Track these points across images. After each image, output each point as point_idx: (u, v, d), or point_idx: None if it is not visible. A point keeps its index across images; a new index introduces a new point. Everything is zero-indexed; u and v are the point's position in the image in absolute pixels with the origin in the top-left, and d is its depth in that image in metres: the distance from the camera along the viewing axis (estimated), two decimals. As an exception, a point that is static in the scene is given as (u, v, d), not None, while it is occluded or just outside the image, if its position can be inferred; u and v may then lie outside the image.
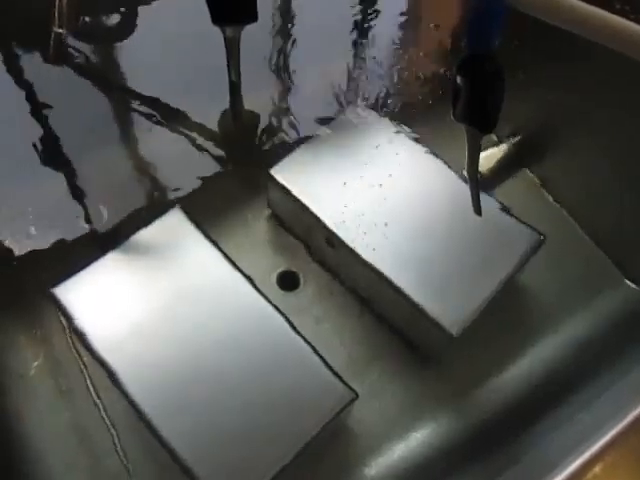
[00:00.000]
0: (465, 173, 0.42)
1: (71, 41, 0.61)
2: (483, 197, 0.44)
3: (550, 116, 0.59)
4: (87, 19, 0.60)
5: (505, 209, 0.51)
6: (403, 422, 0.48)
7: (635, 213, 0.53)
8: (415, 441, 0.48)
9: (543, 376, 0.50)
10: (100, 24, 0.62)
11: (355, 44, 0.68)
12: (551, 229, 0.51)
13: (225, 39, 0.50)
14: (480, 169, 0.43)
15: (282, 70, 0.66)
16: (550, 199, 0.60)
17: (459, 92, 0.36)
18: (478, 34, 0.33)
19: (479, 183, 0.42)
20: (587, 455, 0.33)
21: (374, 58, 0.67)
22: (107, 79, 0.62)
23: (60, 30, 0.56)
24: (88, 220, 0.54)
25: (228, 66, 0.52)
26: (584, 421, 0.39)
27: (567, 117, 0.57)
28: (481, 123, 0.37)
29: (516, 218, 0.51)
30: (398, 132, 0.55)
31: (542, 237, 0.50)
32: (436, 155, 0.54)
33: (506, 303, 0.50)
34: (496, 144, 0.62)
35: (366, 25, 0.69)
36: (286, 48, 0.67)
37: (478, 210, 0.43)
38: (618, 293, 0.55)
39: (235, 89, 0.53)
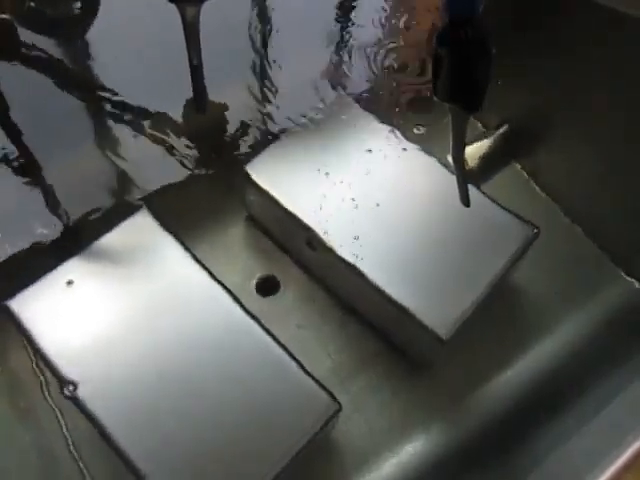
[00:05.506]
0: (450, 159, 0.39)
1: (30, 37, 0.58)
2: (471, 189, 0.41)
3: (541, 105, 0.57)
4: (33, 4, 0.57)
5: (495, 201, 0.48)
6: (392, 434, 0.45)
7: (632, 204, 0.51)
8: (406, 455, 0.45)
9: (543, 380, 0.47)
10: (55, 11, 0.59)
11: (337, 34, 0.66)
12: (542, 224, 0.48)
13: (183, 20, 0.47)
14: (466, 161, 0.40)
15: (259, 60, 0.63)
16: (541, 193, 0.58)
17: (441, 65, 0.33)
18: None
19: (466, 171, 0.39)
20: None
21: (357, 48, 0.65)
22: (65, 74, 0.58)
23: (4, 16, 0.53)
24: (47, 225, 0.50)
25: (188, 49, 0.49)
26: (595, 431, 0.36)
27: (559, 106, 0.54)
28: (466, 100, 0.34)
29: (508, 211, 0.48)
30: (380, 125, 0.52)
31: (536, 231, 0.47)
32: (420, 148, 0.51)
33: (499, 303, 0.47)
34: (483, 135, 0.59)
35: (349, 14, 0.67)
36: (264, 37, 0.64)
37: (466, 200, 0.40)
38: (617, 289, 0.53)
39: (197, 74, 0.50)
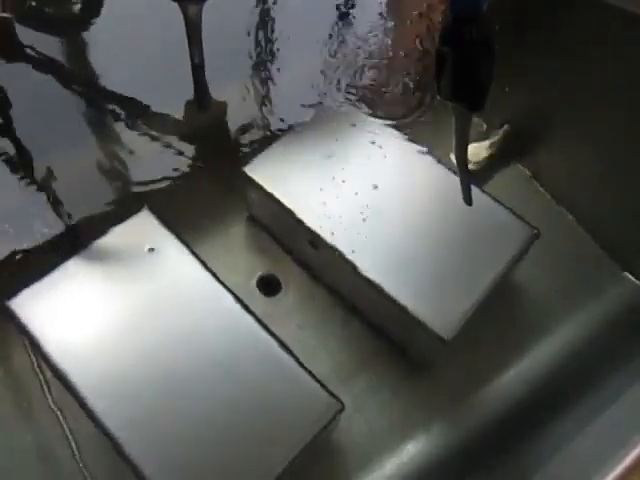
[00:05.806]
0: (452, 157, 0.39)
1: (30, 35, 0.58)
2: (473, 189, 0.41)
3: (541, 105, 0.57)
4: (34, 3, 0.57)
5: (497, 201, 0.48)
6: (393, 434, 0.45)
7: (632, 204, 0.51)
8: (407, 454, 0.45)
9: (544, 380, 0.47)
10: (56, 10, 0.59)
11: (337, 34, 0.66)
12: (544, 223, 0.48)
13: (186, 18, 0.47)
14: (469, 160, 0.40)
15: (260, 60, 0.63)
16: (543, 192, 0.58)
17: (444, 64, 0.32)
18: None
19: (468, 170, 0.39)
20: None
21: (357, 48, 0.64)
22: (66, 73, 0.58)
23: (5, 15, 0.52)
24: (47, 224, 0.50)
25: (190, 48, 0.49)
26: (598, 432, 0.36)
27: (559, 106, 0.54)
28: (469, 99, 0.34)
29: (509, 211, 0.48)
30: (381, 124, 0.53)
31: (536, 231, 0.47)
32: (421, 147, 0.51)
33: (500, 303, 0.47)
34: (485, 135, 0.59)
35: (349, 15, 0.67)
36: (264, 37, 0.64)
37: (468, 199, 0.40)
38: (618, 289, 0.53)
39: (198, 73, 0.50)
